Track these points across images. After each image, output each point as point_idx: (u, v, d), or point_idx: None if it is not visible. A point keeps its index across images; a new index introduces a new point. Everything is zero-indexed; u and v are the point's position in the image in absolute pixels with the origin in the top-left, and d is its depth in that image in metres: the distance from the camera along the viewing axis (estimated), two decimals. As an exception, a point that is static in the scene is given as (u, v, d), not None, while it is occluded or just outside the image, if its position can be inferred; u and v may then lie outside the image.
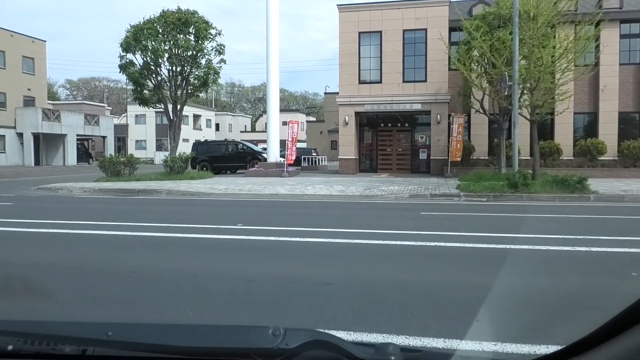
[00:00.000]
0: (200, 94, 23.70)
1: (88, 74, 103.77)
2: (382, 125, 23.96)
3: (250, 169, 22.77)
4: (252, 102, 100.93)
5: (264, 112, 75.78)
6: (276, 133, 22.71)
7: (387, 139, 23.95)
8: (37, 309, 3.99)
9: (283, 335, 1.02)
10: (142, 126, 56.34)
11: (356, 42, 22.65)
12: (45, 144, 34.50)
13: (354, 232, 7.31)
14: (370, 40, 22.60)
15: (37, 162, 33.92)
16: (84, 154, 40.01)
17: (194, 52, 21.26)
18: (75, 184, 18.58)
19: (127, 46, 20.32)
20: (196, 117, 59.67)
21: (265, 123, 68.96)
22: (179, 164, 20.20)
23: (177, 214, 10.26)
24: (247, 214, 10.33)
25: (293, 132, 21.81)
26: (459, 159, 20.32)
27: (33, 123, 33.11)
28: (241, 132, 68.98)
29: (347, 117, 22.62)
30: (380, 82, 22.48)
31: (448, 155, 20.58)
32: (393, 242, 6.46)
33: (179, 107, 21.51)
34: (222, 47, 21.54)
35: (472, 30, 16.72)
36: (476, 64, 18.19)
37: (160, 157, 49.68)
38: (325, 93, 57.70)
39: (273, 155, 22.60)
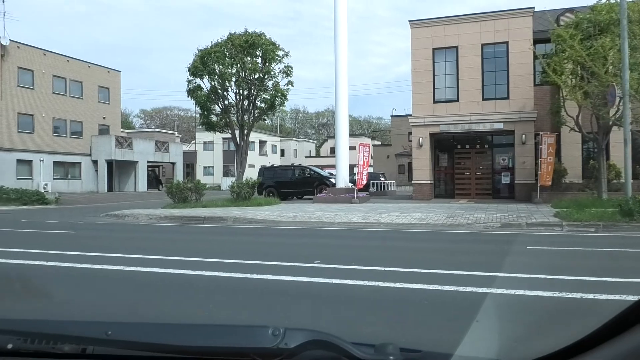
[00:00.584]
0: (266, 118, 23.10)
1: (160, 104, 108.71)
2: (458, 146, 22.24)
3: (319, 195, 21.69)
4: (316, 127, 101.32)
5: (329, 137, 75.56)
6: (345, 157, 21.58)
7: (465, 161, 22.17)
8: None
9: (283, 335, 1.01)
10: (210, 152, 57.29)
11: (430, 59, 21.27)
12: (118, 170, 35.36)
13: (467, 276, 5.85)
14: (445, 57, 21.15)
15: (110, 188, 34.73)
16: (154, 180, 40.76)
17: (261, 75, 20.73)
18: (142, 210, 18.23)
19: (194, 70, 20.10)
20: (262, 143, 60.02)
21: (331, 148, 68.46)
22: (245, 190, 19.47)
23: (245, 246, 9.22)
24: (321, 247, 9.11)
25: (364, 156, 20.58)
26: (549, 183, 18.23)
27: (107, 150, 34.04)
28: (306, 157, 68.71)
29: (421, 138, 21.14)
30: (457, 100, 20.89)
31: (536, 179, 18.53)
32: (526, 293, 4.96)
33: (245, 131, 20.94)
34: (290, 68, 20.91)
35: (568, 38, 14.91)
36: (571, 76, 16.26)
37: (227, 183, 50.00)
38: (391, 116, 56.40)
39: (342, 180, 21.44)
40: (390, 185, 31.98)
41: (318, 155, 73.25)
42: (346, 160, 21.68)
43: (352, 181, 22.01)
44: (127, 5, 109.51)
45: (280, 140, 66.92)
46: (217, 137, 58.65)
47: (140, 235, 11.59)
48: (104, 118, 35.90)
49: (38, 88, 31.02)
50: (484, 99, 20.53)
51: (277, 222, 14.06)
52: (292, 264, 6.75)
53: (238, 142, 20.86)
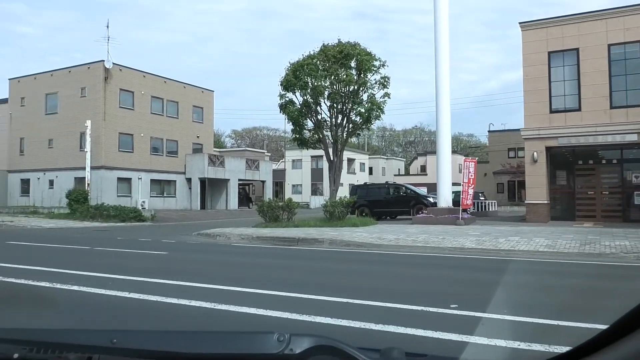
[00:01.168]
0: (360, 133, 21.72)
1: (250, 124, 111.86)
2: (580, 162, 19.53)
3: (418, 215, 19.90)
4: (403, 145, 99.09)
5: (419, 154, 73.04)
6: (447, 175, 19.67)
7: (588, 178, 19.39)
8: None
9: (288, 340, 1.01)
10: (299, 171, 57.20)
11: (545, 64, 18.94)
12: (210, 188, 35.73)
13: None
14: (563, 61, 18.73)
15: (203, 205, 35.12)
16: (244, 198, 40.93)
17: (356, 87, 19.51)
18: (234, 230, 17.52)
19: (286, 84, 19.32)
20: (350, 161, 58.99)
21: (421, 166, 65.99)
22: (339, 210, 18.19)
23: (355, 278, 7.78)
24: (450, 282, 7.45)
25: (469, 173, 18.57)
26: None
27: (200, 168, 34.52)
28: (394, 175, 66.69)
29: (535, 153, 18.75)
30: (579, 109, 18.35)
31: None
32: None
33: (339, 147, 19.76)
34: (387, 79, 19.54)
35: None
36: None
37: (315, 201, 49.37)
38: (489, 131, 53.07)
39: (444, 199, 19.52)
40: (491, 206, 29.35)
41: (407, 173, 70.91)
42: (448, 178, 19.76)
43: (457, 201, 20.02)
44: (221, 35, 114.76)
45: (369, 158, 65.57)
46: (306, 155, 58.60)
47: (233, 259, 10.59)
48: (197, 137, 36.59)
49: (137, 108, 32.15)
50: (612, 107, 17.83)
51: (377, 246, 12.59)
52: (423, 308, 5.20)
53: (331, 158, 19.72)
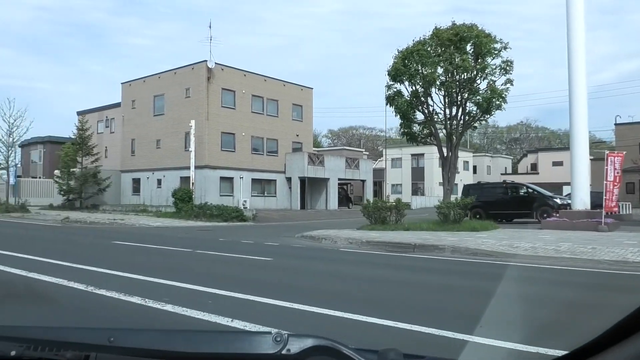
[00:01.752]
0: (477, 126, 19.34)
1: (346, 124, 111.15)
2: None
3: (549, 220, 17.26)
4: (507, 143, 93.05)
5: (528, 152, 67.63)
6: (584, 173, 16.85)
7: None
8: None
9: (285, 341, 1.00)
10: (398, 170, 55.11)
11: None
12: (310, 188, 34.95)
13: None
14: None
15: (302, 205, 34.42)
16: (344, 198, 39.74)
17: (472, 74, 17.34)
18: (339, 232, 16.21)
19: (395, 73, 17.59)
20: (453, 159, 55.89)
21: (531, 164, 60.88)
22: (456, 211, 16.18)
23: (505, 302, 5.96)
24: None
25: (615, 170, 15.67)
26: None
27: (300, 167, 33.85)
28: (501, 174, 62.18)
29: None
30: None
31: None
32: None
33: (454, 141, 17.70)
34: (510, 64, 17.13)
35: None
36: None
37: (417, 201, 47.04)
38: (615, 124, 47.34)
39: (581, 201, 16.71)
40: (626, 208, 25.50)
41: (515, 172, 65.87)
42: (585, 177, 16.92)
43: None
44: (316, 36, 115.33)
45: (473, 156, 61.72)
46: (406, 154, 56.31)
47: (348, 270, 9.13)
48: (297, 135, 35.99)
49: (238, 107, 32.12)
50: None
51: (512, 256, 10.55)
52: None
53: (445, 154, 17.70)
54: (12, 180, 33.32)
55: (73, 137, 35.09)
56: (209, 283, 6.48)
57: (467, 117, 17.67)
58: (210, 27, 35.62)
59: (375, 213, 17.95)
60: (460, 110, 17.67)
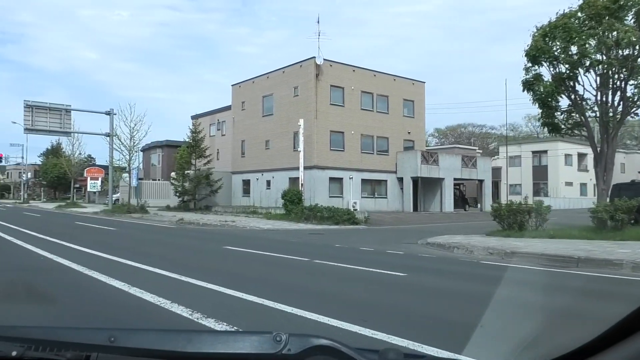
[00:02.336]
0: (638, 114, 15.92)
1: (454, 121, 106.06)
2: None
3: None
4: (638, 137, 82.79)
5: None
6: None
7: None
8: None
9: (286, 341, 1.00)
10: (517, 169, 50.63)
11: None
12: (423, 188, 32.60)
13: None
14: None
15: (415, 207, 32.20)
16: (459, 200, 36.79)
17: (634, 50, 14.23)
18: (468, 239, 14.08)
19: (535, 53, 14.95)
20: (581, 156, 50.12)
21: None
22: (620, 216, 13.25)
23: None
24: None
25: None
26: None
27: (412, 167, 31.70)
28: (638, 172, 54.82)
29: None
30: None
31: None
32: None
33: (610, 131, 14.67)
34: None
35: None
36: None
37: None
38: None
39: None
40: None
41: (655, 169, 57.74)
42: None
43: None
44: (419, 35, 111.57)
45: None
46: (526, 151, 51.58)
47: (525, 295, 7.05)
48: (408, 133, 33.83)
49: (347, 105, 30.74)
50: None
51: None
52: None
53: (599, 147, 14.73)
54: (134, 182, 34.95)
55: (187, 140, 36.04)
56: (351, 315, 4.86)
57: (628, 103, 14.54)
58: (318, 22, 34.37)
59: (510, 217, 15.48)
60: (618, 94, 14.59)
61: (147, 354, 1.04)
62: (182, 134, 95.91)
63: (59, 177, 57.65)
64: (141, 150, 43.57)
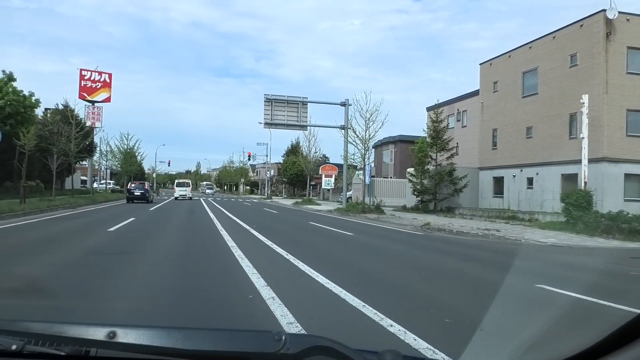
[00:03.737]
0: None
1: None
2: None
3: None
4: None
5: None
6: None
7: None
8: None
9: (285, 340, 1.00)
10: None
11: None
12: None
13: None
14: None
15: None
16: None
17: None
18: None
19: None
20: None
21: None
22: None
23: None
24: None
25: None
26: None
27: None
28: None
29: None
30: None
31: None
32: None
33: None
34: None
35: None
36: None
37: None
38: None
39: None
40: None
41: None
42: None
43: None
44: None
45: None
46: None
47: None
48: None
49: (653, 73, 22.11)
50: None
51: None
52: None
53: None
54: (367, 180, 32.12)
55: (423, 134, 31.68)
56: None
57: None
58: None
59: None
60: None
61: (147, 350, 1.02)
62: (413, 131, 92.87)
63: (297, 174, 59.88)
64: (372, 147, 40.98)
